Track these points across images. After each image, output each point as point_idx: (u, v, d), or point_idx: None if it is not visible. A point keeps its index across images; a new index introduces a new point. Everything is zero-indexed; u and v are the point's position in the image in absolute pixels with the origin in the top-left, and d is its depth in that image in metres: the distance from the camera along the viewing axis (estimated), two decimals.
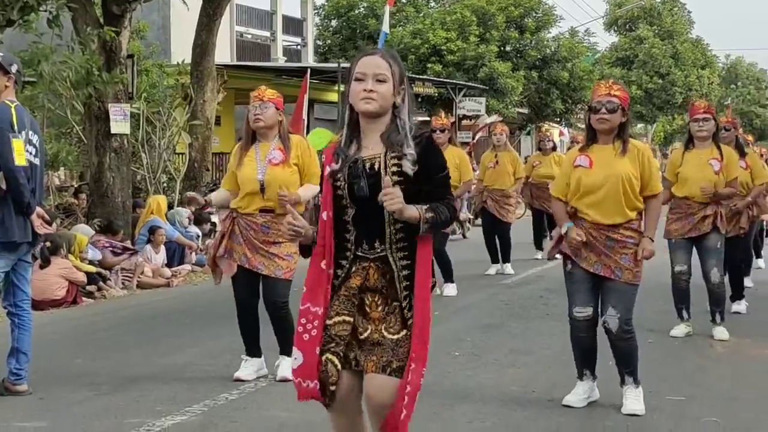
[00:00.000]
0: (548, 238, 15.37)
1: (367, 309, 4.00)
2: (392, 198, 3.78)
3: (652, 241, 6.15)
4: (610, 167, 6.09)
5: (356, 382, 4.00)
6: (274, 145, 6.91)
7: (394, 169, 3.92)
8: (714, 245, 8.59)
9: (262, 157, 6.87)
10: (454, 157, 11.07)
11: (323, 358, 3.95)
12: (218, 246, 7.01)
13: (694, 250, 8.71)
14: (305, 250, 4.12)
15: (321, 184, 4.12)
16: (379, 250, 3.98)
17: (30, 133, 6.66)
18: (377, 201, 3.85)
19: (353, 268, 4.02)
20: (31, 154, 6.65)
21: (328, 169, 4.03)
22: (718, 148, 8.53)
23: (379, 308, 3.99)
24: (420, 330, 3.93)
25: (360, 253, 4.00)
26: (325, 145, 4.17)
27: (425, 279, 3.96)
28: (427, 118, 11.79)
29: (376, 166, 3.95)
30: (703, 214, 8.47)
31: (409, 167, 3.90)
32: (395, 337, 3.93)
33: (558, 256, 6.43)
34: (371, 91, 3.92)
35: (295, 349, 4.05)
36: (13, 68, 6.67)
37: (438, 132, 11.14)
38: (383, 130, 3.99)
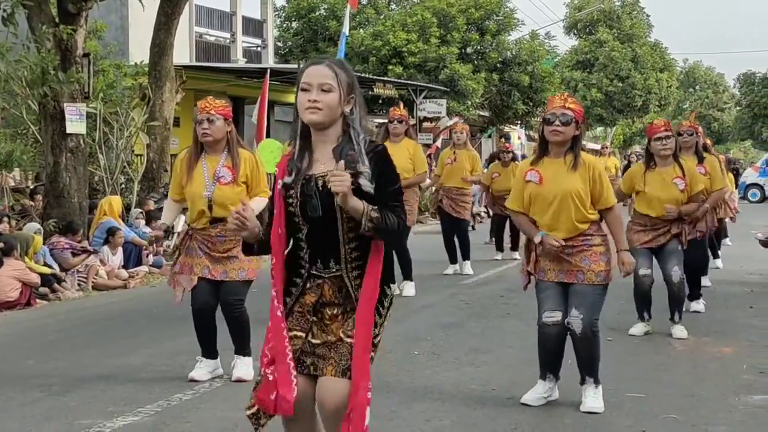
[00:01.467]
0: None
1: (327, 322, 3.90)
2: (340, 180, 3.66)
3: (628, 250, 6.16)
4: (560, 183, 6.06)
5: (310, 386, 3.90)
6: (222, 161, 6.79)
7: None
8: (675, 248, 8.62)
9: (210, 173, 6.76)
10: (409, 148, 11.03)
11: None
12: (175, 263, 6.91)
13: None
14: (247, 249, 4.01)
15: (272, 200, 4.01)
16: (334, 270, 3.88)
17: None
18: (331, 221, 3.79)
19: (307, 285, 3.92)
20: None
21: (280, 183, 3.91)
22: (679, 164, 8.52)
23: (338, 318, 3.89)
24: (362, 345, 3.78)
25: (314, 272, 3.90)
26: (276, 161, 4.04)
27: (371, 298, 3.83)
28: (385, 121, 11.70)
29: (329, 185, 3.78)
30: (667, 230, 8.54)
31: (367, 185, 3.78)
32: (351, 340, 3.83)
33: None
34: (315, 101, 3.80)
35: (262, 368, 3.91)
36: None
37: (396, 122, 11.09)
38: (335, 143, 3.88)
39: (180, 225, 7.09)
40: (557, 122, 6.03)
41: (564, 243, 6.05)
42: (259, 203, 6.64)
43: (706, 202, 9.59)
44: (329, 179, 3.68)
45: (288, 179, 3.88)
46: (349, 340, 3.83)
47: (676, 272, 8.62)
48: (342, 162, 3.73)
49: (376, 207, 3.76)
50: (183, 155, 6.99)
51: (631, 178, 8.72)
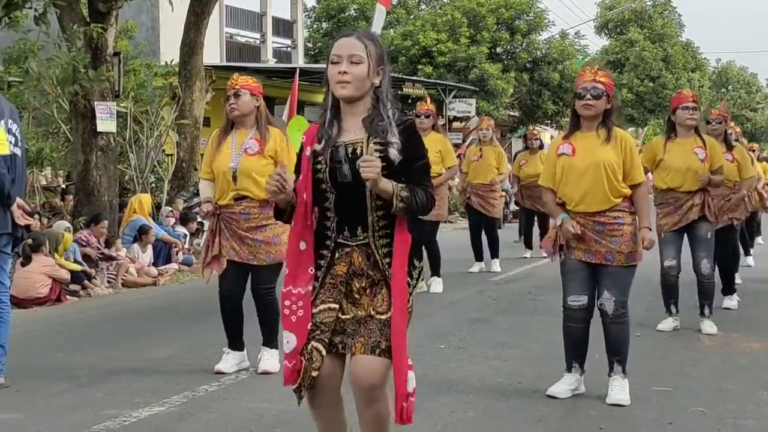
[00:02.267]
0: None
1: (356, 296, 3.93)
2: (370, 165, 3.69)
3: (650, 230, 6.11)
4: (593, 155, 6.03)
5: (338, 366, 3.93)
6: (251, 134, 6.83)
7: (377, 154, 3.82)
8: (704, 236, 8.52)
9: (237, 146, 6.79)
10: (437, 143, 11.01)
11: (309, 346, 3.87)
12: (212, 245, 6.90)
13: (685, 245, 8.64)
14: (280, 214, 4.00)
15: (298, 167, 4.02)
16: (361, 238, 3.91)
17: (9, 122, 6.56)
18: (360, 188, 3.80)
19: (336, 255, 3.94)
20: (11, 143, 6.54)
21: (309, 150, 3.93)
22: (700, 137, 8.46)
23: (367, 291, 3.92)
24: (399, 314, 3.82)
25: (341, 240, 3.93)
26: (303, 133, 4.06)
27: (401, 267, 3.87)
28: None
29: (359, 151, 3.86)
30: (691, 203, 8.39)
31: (395, 155, 3.83)
32: (383, 317, 3.85)
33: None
34: (345, 73, 3.83)
35: (286, 332, 3.98)
36: None
37: (423, 117, 11.09)
38: (364, 114, 3.91)
39: (205, 192, 7.08)
40: (588, 96, 6.01)
41: (580, 232, 6.03)
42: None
43: (740, 188, 9.55)
44: (359, 165, 3.71)
45: (317, 147, 3.90)
46: (380, 317, 3.85)
47: (706, 265, 8.55)
48: (372, 147, 3.78)
49: (405, 186, 3.80)
50: (215, 133, 7.06)
51: (653, 149, 8.59)
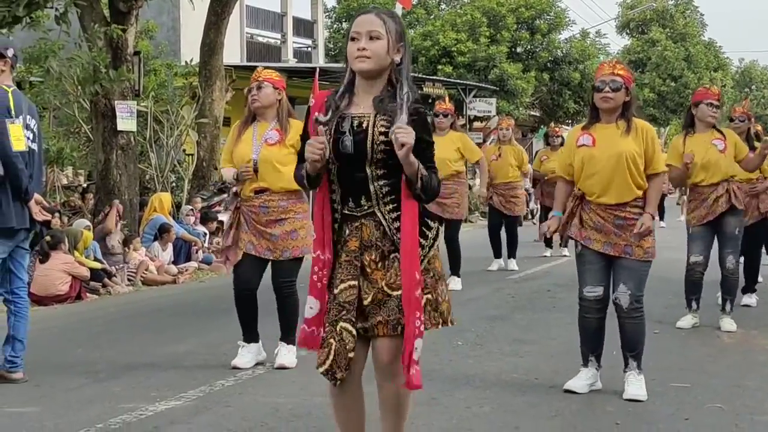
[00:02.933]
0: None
1: (368, 270, 3.93)
2: (406, 132, 3.70)
3: (653, 217, 6.07)
4: (614, 146, 6.01)
5: (362, 351, 3.97)
6: (272, 125, 6.86)
7: (382, 129, 3.84)
8: (732, 231, 8.49)
9: (258, 137, 6.83)
10: (455, 141, 11.05)
11: (338, 327, 3.88)
12: (227, 236, 6.97)
13: (714, 241, 8.62)
14: (313, 181, 3.95)
15: (304, 133, 4.03)
16: (366, 207, 3.92)
17: (28, 118, 6.61)
18: (361, 159, 3.82)
19: (347, 231, 3.95)
20: (29, 139, 6.59)
21: (315, 116, 3.92)
22: (718, 130, 8.43)
23: (379, 265, 3.92)
24: (408, 279, 3.82)
25: (347, 212, 3.94)
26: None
27: (412, 230, 3.86)
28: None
29: (365, 125, 3.87)
30: (716, 195, 8.37)
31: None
32: (398, 293, 3.86)
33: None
34: (364, 49, 3.84)
35: (310, 298, 4.00)
36: (9, 52, 6.62)
37: (441, 116, 11.11)
38: (378, 93, 3.92)
39: (230, 175, 7.10)
40: (607, 89, 6.00)
41: (549, 235, 6.09)
42: None
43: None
44: (395, 131, 3.71)
45: (323, 117, 3.89)
46: (395, 293, 3.86)
47: (731, 260, 8.53)
48: (405, 116, 3.78)
49: (422, 167, 3.81)
50: (236, 124, 7.11)
51: (676, 148, 8.52)
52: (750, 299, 10.13)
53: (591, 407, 5.95)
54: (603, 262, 6.12)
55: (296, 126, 6.91)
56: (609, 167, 6.00)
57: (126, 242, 12.94)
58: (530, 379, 6.68)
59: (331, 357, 3.89)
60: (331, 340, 3.89)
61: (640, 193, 6.06)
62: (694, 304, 8.76)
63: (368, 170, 3.87)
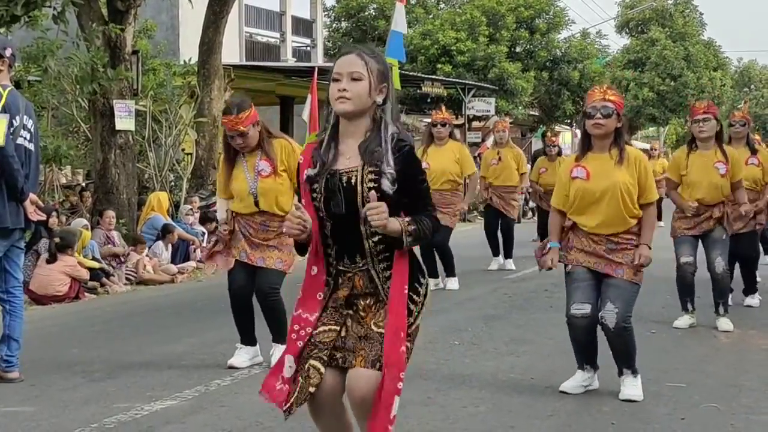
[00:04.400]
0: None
1: (362, 314, 3.88)
2: (377, 213, 3.64)
3: (649, 248, 6.05)
4: (608, 177, 5.99)
5: (339, 380, 3.88)
6: (259, 155, 6.83)
7: (371, 185, 3.75)
8: (719, 237, 8.49)
9: (250, 169, 6.82)
10: (454, 151, 11.07)
11: (306, 365, 3.83)
12: (215, 243, 6.96)
13: (700, 243, 8.62)
14: (301, 249, 3.97)
15: (298, 189, 3.99)
16: (360, 264, 3.86)
17: (25, 117, 6.59)
18: (354, 217, 3.77)
19: (339, 281, 3.90)
20: (25, 139, 6.57)
21: (305, 174, 3.87)
22: (722, 149, 8.41)
23: (372, 309, 3.87)
24: (393, 334, 3.75)
25: (342, 268, 3.89)
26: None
27: (401, 287, 3.81)
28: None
29: (353, 181, 3.79)
30: (710, 215, 8.40)
31: (388, 186, 3.74)
32: (381, 330, 3.80)
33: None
34: (345, 90, 3.76)
35: (288, 357, 3.90)
36: (7, 52, 6.61)
37: (439, 126, 11.10)
38: (363, 136, 3.84)
39: (222, 212, 7.12)
40: (598, 115, 5.96)
41: (556, 266, 6.13)
42: None
43: (765, 193, 9.50)
44: (366, 213, 3.65)
45: (311, 171, 3.85)
46: (379, 330, 3.80)
47: (719, 263, 8.50)
48: (374, 194, 3.69)
49: (410, 219, 3.75)
50: (221, 159, 7.11)
51: (677, 163, 8.58)
52: (753, 300, 10.11)
53: (587, 407, 5.95)
54: (593, 281, 6.09)
55: (279, 147, 6.87)
56: (604, 201, 5.99)
57: (135, 242, 12.95)
58: (526, 379, 6.69)
59: (294, 395, 3.82)
60: (299, 379, 3.84)
61: (633, 222, 6.05)
62: (689, 306, 8.76)
63: (362, 228, 3.80)
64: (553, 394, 6.22)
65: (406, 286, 3.82)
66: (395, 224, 3.70)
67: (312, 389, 3.79)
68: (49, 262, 10.89)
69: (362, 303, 3.88)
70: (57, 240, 10.97)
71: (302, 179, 3.89)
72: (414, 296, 3.86)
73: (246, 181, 6.79)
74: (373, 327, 3.83)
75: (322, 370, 3.81)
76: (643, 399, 6.06)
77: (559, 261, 6.21)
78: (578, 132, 36.08)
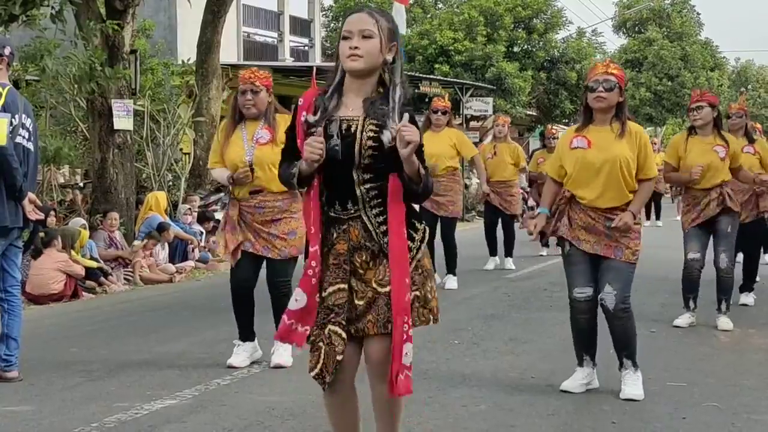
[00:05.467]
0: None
1: (361, 271, 3.90)
2: (412, 131, 3.67)
3: (635, 216, 6.01)
4: (609, 150, 5.98)
5: (355, 352, 3.94)
6: (261, 125, 6.80)
7: (371, 134, 3.80)
8: (725, 230, 8.49)
9: (249, 137, 6.77)
10: (451, 137, 11.08)
11: (326, 330, 3.85)
12: (234, 232, 6.81)
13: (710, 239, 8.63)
14: (304, 180, 3.91)
15: (290, 130, 3.98)
16: (352, 211, 3.89)
17: (23, 116, 6.57)
18: (348, 164, 3.80)
19: (334, 234, 3.92)
20: (24, 138, 6.56)
21: (303, 116, 3.88)
22: (721, 135, 8.42)
23: (370, 264, 3.90)
24: (398, 283, 3.81)
25: (333, 214, 3.91)
26: None
27: (399, 234, 3.84)
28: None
29: (353, 128, 3.83)
30: (708, 199, 8.37)
31: (388, 139, 3.76)
32: (386, 289, 3.85)
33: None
34: (356, 47, 3.79)
35: (298, 290, 3.93)
36: (6, 51, 6.59)
37: (439, 114, 11.10)
38: (368, 94, 3.88)
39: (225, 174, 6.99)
40: (600, 88, 5.96)
41: (534, 237, 6.14)
42: None
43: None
44: (400, 129, 3.66)
45: (311, 118, 3.86)
46: (384, 289, 3.85)
47: (724, 259, 8.52)
48: (406, 116, 3.76)
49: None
50: (223, 124, 7.02)
51: (675, 147, 8.57)
52: (747, 298, 10.12)
53: (587, 406, 5.94)
54: (591, 263, 6.09)
55: (284, 121, 6.87)
56: (604, 171, 5.97)
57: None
58: (526, 378, 6.68)
59: (321, 361, 3.86)
60: (320, 344, 3.87)
61: (631, 196, 6.05)
62: (691, 303, 8.75)
63: (355, 174, 3.83)
64: (554, 393, 6.21)
65: (404, 231, 3.85)
66: (416, 158, 3.72)
67: (339, 357, 3.83)
68: (34, 258, 10.85)
69: (358, 259, 3.90)
70: (41, 236, 10.93)
71: (299, 120, 3.89)
72: (409, 243, 3.89)
73: (243, 148, 6.72)
74: (377, 288, 3.87)
75: (344, 336, 3.85)
76: (644, 398, 6.05)
77: (561, 237, 6.16)
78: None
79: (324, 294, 3.90)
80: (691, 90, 9.07)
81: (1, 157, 6.31)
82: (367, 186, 3.85)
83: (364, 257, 3.90)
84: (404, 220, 3.87)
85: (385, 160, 3.80)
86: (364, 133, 3.82)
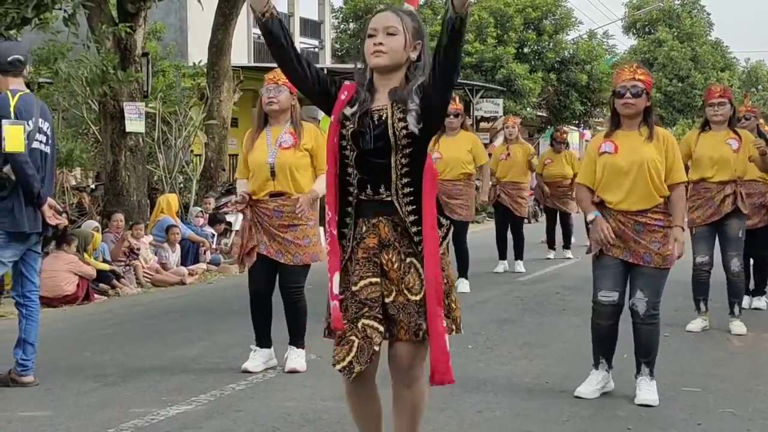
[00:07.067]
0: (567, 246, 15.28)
1: (386, 269, 3.93)
2: None
3: (683, 230, 6.05)
4: (637, 153, 6.00)
5: (378, 351, 3.96)
6: (285, 129, 6.84)
7: (400, 116, 3.88)
8: (735, 234, 8.48)
9: (273, 141, 6.81)
10: (467, 142, 11.08)
11: (359, 324, 3.87)
12: (250, 236, 6.87)
13: (717, 241, 8.61)
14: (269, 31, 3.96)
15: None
16: (384, 195, 3.92)
17: (40, 120, 6.58)
18: (383, 151, 3.87)
19: (363, 228, 3.95)
20: (41, 142, 6.57)
21: (342, 109, 3.94)
22: (734, 131, 8.42)
23: (395, 266, 3.92)
24: (434, 288, 3.85)
25: (364, 197, 3.93)
26: None
27: (432, 226, 3.88)
28: None
29: (383, 117, 3.90)
30: (723, 195, 8.36)
31: (413, 123, 3.85)
32: (418, 297, 3.89)
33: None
34: (381, 44, 3.86)
35: (335, 274, 3.94)
36: (11, 59, 6.55)
37: (452, 116, 11.08)
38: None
39: (239, 223, 7.10)
40: (628, 95, 5.98)
41: (612, 239, 5.98)
42: (321, 183, 6.66)
43: None
44: None
45: (349, 110, 3.93)
46: (415, 297, 3.88)
47: (736, 263, 8.51)
48: (414, 97, 3.86)
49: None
50: (247, 134, 7.04)
51: (687, 143, 8.55)
52: (760, 302, 10.10)
53: (602, 412, 5.94)
54: (620, 267, 6.08)
55: (309, 129, 6.90)
56: (631, 174, 5.98)
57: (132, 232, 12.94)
58: (541, 383, 6.67)
59: (352, 353, 3.86)
60: (353, 338, 3.87)
61: (660, 200, 6.03)
62: (702, 306, 8.74)
63: (393, 158, 3.89)
64: (569, 399, 6.20)
65: (436, 223, 3.90)
66: None
67: (377, 347, 3.86)
68: (58, 246, 10.87)
69: (385, 257, 3.93)
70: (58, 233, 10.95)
71: (337, 111, 3.95)
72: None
73: (266, 152, 6.77)
74: (408, 295, 3.90)
75: (381, 329, 3.88)
76: (659, 404, 6.05)
77: (597, 242, 6.12)
78: (587, 133, 36.11)
79: (355, 288, 3.92)
80: (710, 85, 9.01)
81: (17, 164, 6.33)
82: (402, 171, 3.89)
83: (391, 256, 3.93)
84: (436, 216, 3.91)
85: (420, 142, 3.88)
86: (395, 117, 3.88)
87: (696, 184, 8.50)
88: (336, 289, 3.93)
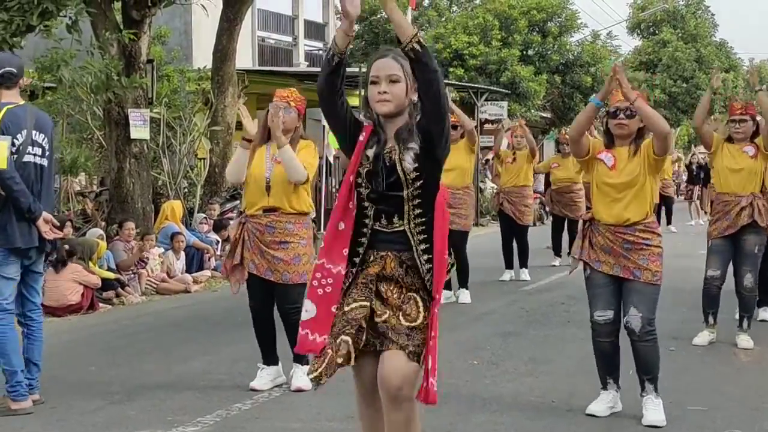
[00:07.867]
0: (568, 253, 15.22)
1: (384, 296, 4.07)
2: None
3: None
4: (629, 173, 6.03)
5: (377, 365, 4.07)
6: None
7: (405, 156, 4.06)
8: (752, 250, 8.47)
9: (271, 157, 6.83)
10: (463, 147, 11.05)
11: (338, 340, 3.99)
12: (233, 254, 6.93)
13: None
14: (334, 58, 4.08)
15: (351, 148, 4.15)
16: (397, 226, 4.08)
17: (34, 133, 6.42)
18: (395, 188, 4.04)
19: (371, 258, 4.09)
20: (36, 155, 6.42)
21: (363, 150, 4.09)
22: (752, 141, 8.43)
23: (395, 295, 4.06)
24: (433, 317, 4.04)
25: (378, 228, 4.08)
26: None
27: (442, 253, 4.03)
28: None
29: (393, 157, 4.07)
30: (740, 207, 8.34)
31: (410, 162, 4.03)
32: (412, 324, 4.01)
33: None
34: (385, 92, 4.03)
35: (307, 301, 4.14)
36: (3, 70, 6.46)
37: (451, 129, 11.06)
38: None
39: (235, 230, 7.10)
40: (622, 115, 6.01)
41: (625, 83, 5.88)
42: (294, 160, 6.69)
43: None
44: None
45: (371, 152, 4.09)
46: (410, 324, 4.00)
47: (749, 278, 8.50)
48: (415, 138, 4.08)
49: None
50: (252, 144, 7.02)
51: (718, 140, 8.56)
52: (766, 313, 10.05)
53: None
54: (612, 285, 6.11)
55: (306, 147, 6.90)
56: (626, 197, 6.03)
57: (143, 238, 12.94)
58: (547, 402, 6.65)
59: (323, 365, 3.99)
60: (329, 351, 4.00)
61: (648, 211, 6.06)
62: (711, 319, 8.70)
63: (405, 192, 4.05)
64: (575, 418, 6.19)
65: (446, 248, 4.06)
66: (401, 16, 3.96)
67: (340, 360, 3.96)
68: (56, 270, 10.82)
69: (385, 287, 4.07)
70: (66, 247, 10.93)
71: (358, 152, 4.09)
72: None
73: (263, 166, 6.81)
74: (402, 320, 4.02)
75: (350, 342, 3.98)
76: (665, 424, 6.02)
77: (583, 261, 6.18)
78: (595, 133, 35.80)
79: (347, 308, 4.06)
80: (732, 101, 8.98)
81: (2, 181, 6.17)
82: (415, 202, 4.06)
83: (391, 287, 4.07)
84: (447, 237, 4.06)
85: (428, 174, 4.05)
86: (402, 158, 4.06)
87: (718, 195, 8.54)
88: (304, 316, 4.13)
